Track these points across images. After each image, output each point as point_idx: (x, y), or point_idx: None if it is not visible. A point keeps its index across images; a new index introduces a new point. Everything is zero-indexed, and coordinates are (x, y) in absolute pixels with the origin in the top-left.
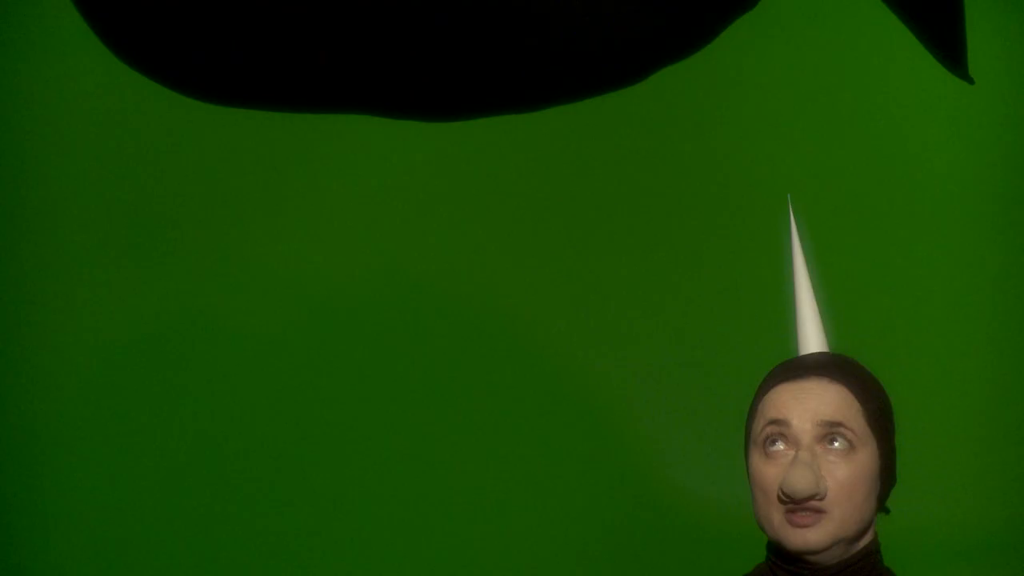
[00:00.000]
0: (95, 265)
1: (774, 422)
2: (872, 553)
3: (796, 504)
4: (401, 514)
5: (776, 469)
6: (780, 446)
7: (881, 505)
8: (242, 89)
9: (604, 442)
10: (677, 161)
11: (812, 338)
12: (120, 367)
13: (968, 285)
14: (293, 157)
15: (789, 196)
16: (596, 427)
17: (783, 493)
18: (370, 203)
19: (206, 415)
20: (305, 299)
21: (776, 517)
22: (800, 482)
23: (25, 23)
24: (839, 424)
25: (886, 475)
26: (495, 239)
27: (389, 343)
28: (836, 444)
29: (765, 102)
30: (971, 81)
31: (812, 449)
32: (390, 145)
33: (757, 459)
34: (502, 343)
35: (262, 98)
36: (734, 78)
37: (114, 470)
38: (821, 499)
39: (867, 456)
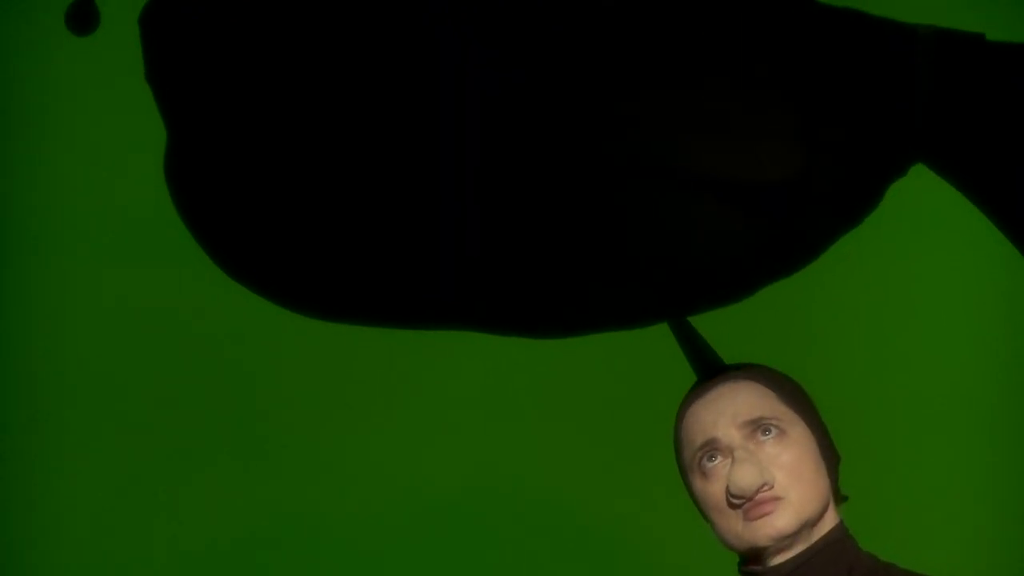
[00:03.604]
0: (205, 465)
1: (702, 445)
2: (839, 540)
3: (750, 501)
4: None
5: (720, 483)
6: (717, 460)
7: (834, 485)
8: (345, 305)
9: None
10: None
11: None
12: (226, 565)
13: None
14: (394, 368)
15: None
16: None
17: (732, 495)
18: (470, 416)
19: None
20: (408, 506)
21: (738, 525)
22: (745, 477)
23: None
24: (761, 417)
25: (826, 451)
26: (597, 451)
27: (489, 552)
28: (768, 435)
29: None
30: None
31: (746, 447)
32: (493, 359)
33: (699, 483)
34: (603, 554)
35: (362, 314)
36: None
37: None
38: (771, 487)
39: (800, 434)
